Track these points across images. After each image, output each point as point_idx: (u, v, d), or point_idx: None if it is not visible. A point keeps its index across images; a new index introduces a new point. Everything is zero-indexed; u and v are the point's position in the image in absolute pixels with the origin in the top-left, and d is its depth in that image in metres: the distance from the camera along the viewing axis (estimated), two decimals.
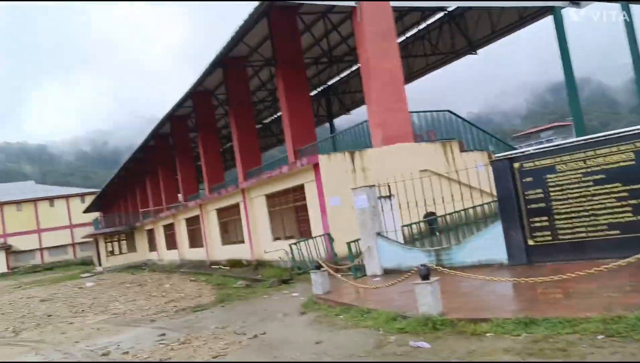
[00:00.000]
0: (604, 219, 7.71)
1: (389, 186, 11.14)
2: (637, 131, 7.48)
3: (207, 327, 9.00)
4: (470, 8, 20.90)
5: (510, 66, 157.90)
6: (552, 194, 8.22)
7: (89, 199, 56.84)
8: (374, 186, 11.08)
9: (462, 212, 12.08)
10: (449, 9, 21.74)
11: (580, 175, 7.94)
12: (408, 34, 23.40)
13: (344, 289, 9.75)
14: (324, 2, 16.35)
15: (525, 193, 8.51)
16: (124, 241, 41.76)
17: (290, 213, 17.44)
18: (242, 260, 20.42)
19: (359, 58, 16.01)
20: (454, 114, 17.03)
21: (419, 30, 23.29)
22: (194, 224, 27.74)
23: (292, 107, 18.52)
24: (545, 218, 8.29)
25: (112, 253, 41.35)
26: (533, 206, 8.42)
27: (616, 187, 7.61)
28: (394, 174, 11.18)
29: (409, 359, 5.28)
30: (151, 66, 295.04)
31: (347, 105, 31.10)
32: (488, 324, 5.68)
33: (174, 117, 27.42)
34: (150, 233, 38.01)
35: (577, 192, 7.96)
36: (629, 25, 16.90)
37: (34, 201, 57.48)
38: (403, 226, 11.81)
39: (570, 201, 8.03)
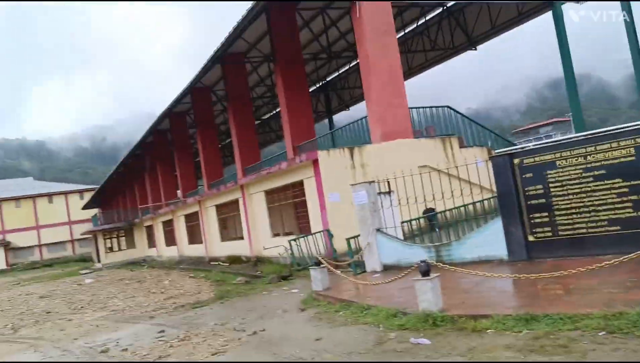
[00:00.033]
0: (604, 215, 7.70)
1: (388, 182, 11.10)
2: (637, 127, 7.45)
3: (206, 324, 8.98)
4: (469, 4, 20.84)
5: (511, 61, 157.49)
6: (552, 190, 8.20)
7: (87, 196, 56.70)
8: (373, 182, 11.05)
9: (462, 208, 12.05)
10: (448, 5, 21.68)
11: (580, 171, 7.92)
12: (407, 30, 23.32)
13: (344, 285, 9.73)
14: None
15: (526, 188, 8.48)
16: (123, 238, 41.77)
17: (290, 209, 17.41)
18: (242, 256, 20.41)
19: (358, 54, 15.93)
20: (453, 110, 17.00)
21: (418, 26, 23.21)
22: (193, 220, 27.71)
23: (291, 103, 18.46)
24: (545, 214, 8.27)
25: (111, 249, 41.36)
26: (533, 202, 8.40)
27: (616, 183, 7.60)
28: (394, 170, 11.13)
29: (410, 356, 5.26)
30: (151, 65, 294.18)
31: (346, 101, 31.01)
32: (488, 320, 5.67)
33: (172, 114, 27.33)
34: (149, 230, 37.98)
35: (578, 188, 7.94)
36: (629, 25, 16.81)
37: (33, 197, 57.36)
38: (402, 222, 11.79)
39: (571, 197, 8.01)
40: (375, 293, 8.42)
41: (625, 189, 7.50)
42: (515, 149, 9.00)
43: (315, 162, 14.48)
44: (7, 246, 53.51)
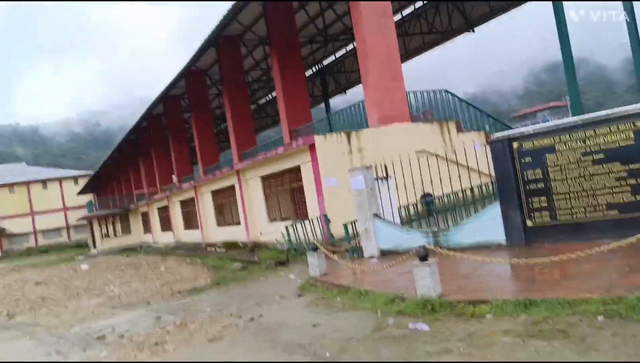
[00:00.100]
0: (603, 200, 7.66)
1: (385, 167, 11.02)
2: (636, 111, 7.37)
3: (203, 310, 8.95)
4: None
5: (509, 43, 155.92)
6: (551, 174, 8.14)
7: (82, 182, 56.41)
8: (370, 167, 10.96)
9: (460, 193, 12.01)
10: None
11: (579, 155, 7.85)
12: (404, 13, 23.02)
13: (341, 271, 9.70)
14: None
15: (524, 173, 8.41)
16: (119, 224, 41.69)
17: (286, 194, 17.33)
18: (238, 241, 20.38)
19: (355, 37, 15.71)
20: (451, 93, 16.87)
21: (416, 8, 22.92)
22: (188, 206, 27.61)
23: (287, 87, 18.27)
24: (543, 198, 8.22)
25: (106, 235, 41.31)
26: (532, 186, 8.34)
27: (615, 167, 7.54)
28: (391, 154, 11.05)
29: (408, 342, 5.23)
30: (145, 48, 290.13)
31: (343, 85, 30.74)
32: (487, 305, 5.64)
33: (167, 98, 27.04)
34: (145, 216, 37.88)
35: (577, 172, 7.88)
36: (630, 26, 16.56)
37: (27, 183, 56.99)
38: (400, 207, 11.74)
39: (569, 181, 7.96)
40: (372, 279, 8.39)
41: (624, 174, 7.45)
42: (514, 133, 8.91)
43: (312, 147, 14.36)
44: (2, 233, 53.34)
